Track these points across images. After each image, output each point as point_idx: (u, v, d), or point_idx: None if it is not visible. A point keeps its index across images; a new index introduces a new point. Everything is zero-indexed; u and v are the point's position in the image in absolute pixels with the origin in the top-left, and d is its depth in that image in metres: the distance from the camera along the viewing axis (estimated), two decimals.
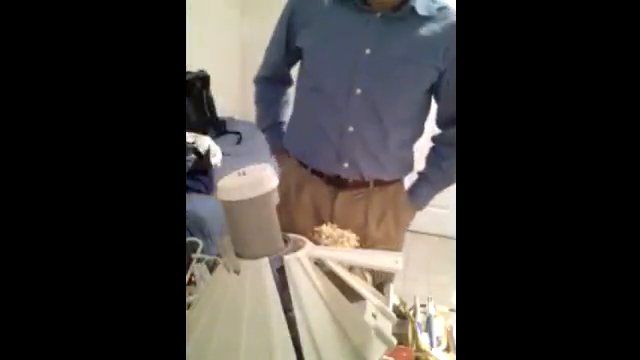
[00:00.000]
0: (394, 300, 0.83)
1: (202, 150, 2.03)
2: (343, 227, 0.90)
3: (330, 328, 0.58)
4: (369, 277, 0.80)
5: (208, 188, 1.89)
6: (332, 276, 0.64)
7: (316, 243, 0.79)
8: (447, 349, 0.82)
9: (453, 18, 0.95)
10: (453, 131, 1.05)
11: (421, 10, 0.93)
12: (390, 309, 0.66)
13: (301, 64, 1.08)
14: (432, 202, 1.16)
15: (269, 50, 1.15)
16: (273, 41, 1.12)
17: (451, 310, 0.91)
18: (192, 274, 0.87)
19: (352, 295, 0.63)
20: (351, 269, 0.73)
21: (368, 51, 0.95)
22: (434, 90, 1.02)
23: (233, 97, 3.19)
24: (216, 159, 2.10)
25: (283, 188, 1.17)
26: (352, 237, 0.87)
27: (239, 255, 0.61)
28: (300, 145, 1.13)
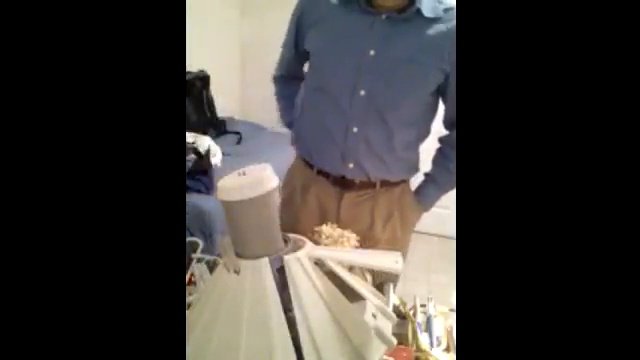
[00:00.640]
0: (394, 300, 0.83)
1: (202, 150, 2.03)
2: (350, 228, 0.90)
3: (330, 328, 0.58)
4: (369, 277, 0.80)
5: (208, 188, 1.89)
6: (332, 276, 0.64)
7: (316, 243, 0.79)
8: (447, 349, 0.82)
9: None
10: None
11: (427, 12, 0.93)
12: (390, 309, 0.66)
13: (309, 64, 1.09)
14: None
15: (283, 49, 1.17)
16: (286, 41, 1.14)
17: (451, 310, 0.91)
18: (192, 274, 0.87)
19: (352, 295, 0.63)
20: (351, 269, 0.73)
21: (372, 52, 0.95)
22: (441, 91, 1.01)
23: (233, 97, 3.19)
24: (216, 159, 2.10)
25: (289, 189, 1.18)
26: (352, 237, 0.87)
27: (239, 255, 0.61)
28: (306, 145, 1.13)
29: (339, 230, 0.88)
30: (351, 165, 1.05)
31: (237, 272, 0.60)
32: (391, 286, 0.77)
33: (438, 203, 1.17)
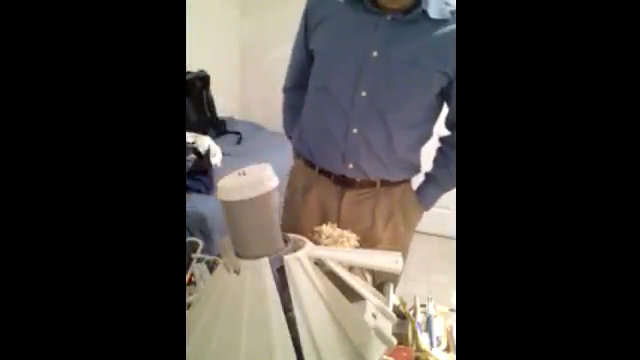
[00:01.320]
0: (394, 300, 0.83)
1: (202, 150, 2.03)
2: (351, 227, 0.90)
3: (330, 328, 0.58)
4: (369, 277, 0.80)
5: (208, 188, 1.89)
6: (332, 276, 0.64)
7: (316, 243, 0.79)
8: (447, 349, 0.82)
9: None
10: None
11: (433, 14, 0.92)
12: (390, 309, 0.66)
13: (314, 63, 1.09)
14: None
15: (292, 54, 1.17)
16: (296, 43, 1.13)
17: (451, 310, 0.91)
18: (192, 274, 0.87)
19: (352, 295, 0.63)
20: (351, 269, 0.73)
21: (375, 54, 0.95)
22: (444, 94, 1.01)
23: (233, 97, 3.19)
24: (216, 159, 2.10)
25: (291, 189, 1.18)
26: (352, 237, 0.87)
27: (239, 255, 0.61)
28: (308, 144, 1.13)
29: (339, 230, 0.88)
30: (351, 165, 1.05)
31: (237, 272, 0.60)
32: (391, 286, 0.77)
33: (438, 203, 1.17)
